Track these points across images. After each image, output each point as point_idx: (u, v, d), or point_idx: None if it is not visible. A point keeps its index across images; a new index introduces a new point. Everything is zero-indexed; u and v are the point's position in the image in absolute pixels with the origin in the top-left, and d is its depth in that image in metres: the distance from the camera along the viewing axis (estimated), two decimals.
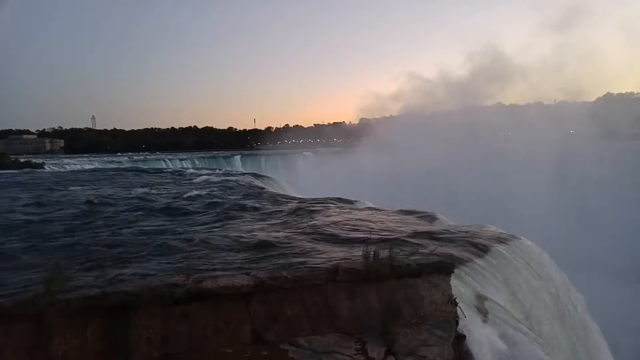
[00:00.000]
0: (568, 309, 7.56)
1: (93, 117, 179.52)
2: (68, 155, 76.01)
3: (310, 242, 7.34)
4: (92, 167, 39.08)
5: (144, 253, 6.76)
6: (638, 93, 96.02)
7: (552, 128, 49.07)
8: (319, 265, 5.35)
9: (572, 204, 33.51)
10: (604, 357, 7.78)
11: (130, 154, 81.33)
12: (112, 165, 41.62)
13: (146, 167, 39.11)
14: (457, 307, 5.23)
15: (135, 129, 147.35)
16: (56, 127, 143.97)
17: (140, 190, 16.32)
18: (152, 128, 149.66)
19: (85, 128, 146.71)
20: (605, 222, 30.64)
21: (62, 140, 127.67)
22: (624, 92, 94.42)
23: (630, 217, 32.32)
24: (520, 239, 8.19)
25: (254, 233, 8.11)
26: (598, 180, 37.95)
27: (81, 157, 61.61)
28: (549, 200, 33.37)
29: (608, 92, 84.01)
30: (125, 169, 32.86)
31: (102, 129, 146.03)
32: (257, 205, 12.07)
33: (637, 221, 31.61)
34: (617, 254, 24.01)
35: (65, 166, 40.32)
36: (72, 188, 17.72)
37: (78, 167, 39.78)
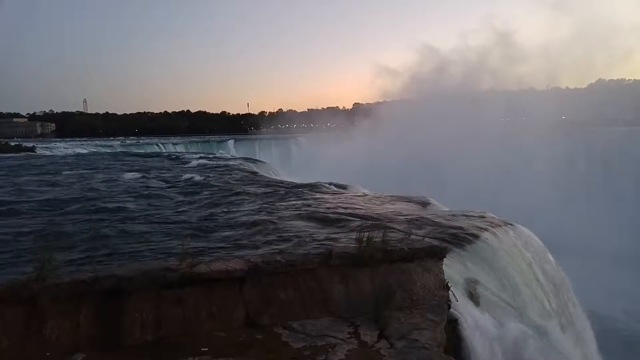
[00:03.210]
0: (558, 294, 7.64)
1: (85, 101, 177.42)
2: (59, 139, 75.02)
3: (303, 226, 7.36)
4: (85, 151, 38.52)
5: (136, 236, 6.74)
6: (630, 79, 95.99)
7: (544, 114, 49.08)
8: (312, 250, 5.36)
9: (565, 191, 33.71)
10: (589, 341, 7.89)
11: (122, 138, 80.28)
12: (104, 150, 41.17)
13: (139, 151, 38.79)
14: (450, 291, 5.28)
15: (128, 112, 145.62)
16: (47, 111, 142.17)
17: (134, 174, 16.22)
18: (144, 112, 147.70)
19: (77, 112, 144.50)
20: (598, 209, 30.91)
21: (53, 124, 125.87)
22: (615, 78, 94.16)
23: (623, 204, 32.66)
24: (512, 224, 8.24)
25: (247, 217, 8.11)
26: (592, 167, 38.19)
27: (73, 141, 60.89)
28: (542, 187, 33.51)
29: (600, 79, 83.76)
30: (117, 154, 32.60)
31: (94, 112, 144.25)
32: (250, 189, 12.04)
33: (630, 208, 31.97)
34: (610, 240, 24.27)
35: (54, 150, 39.71)
36: (65, 173, 17.59)
37: (69, 151, 39.24)
